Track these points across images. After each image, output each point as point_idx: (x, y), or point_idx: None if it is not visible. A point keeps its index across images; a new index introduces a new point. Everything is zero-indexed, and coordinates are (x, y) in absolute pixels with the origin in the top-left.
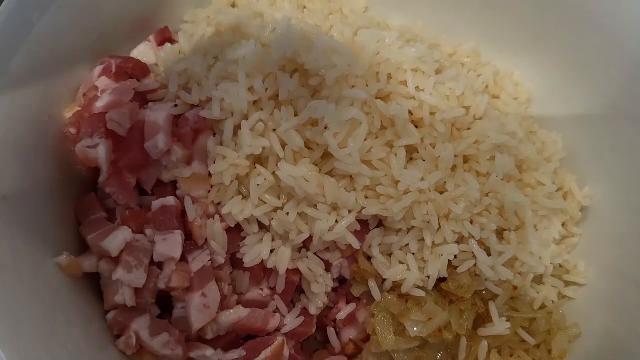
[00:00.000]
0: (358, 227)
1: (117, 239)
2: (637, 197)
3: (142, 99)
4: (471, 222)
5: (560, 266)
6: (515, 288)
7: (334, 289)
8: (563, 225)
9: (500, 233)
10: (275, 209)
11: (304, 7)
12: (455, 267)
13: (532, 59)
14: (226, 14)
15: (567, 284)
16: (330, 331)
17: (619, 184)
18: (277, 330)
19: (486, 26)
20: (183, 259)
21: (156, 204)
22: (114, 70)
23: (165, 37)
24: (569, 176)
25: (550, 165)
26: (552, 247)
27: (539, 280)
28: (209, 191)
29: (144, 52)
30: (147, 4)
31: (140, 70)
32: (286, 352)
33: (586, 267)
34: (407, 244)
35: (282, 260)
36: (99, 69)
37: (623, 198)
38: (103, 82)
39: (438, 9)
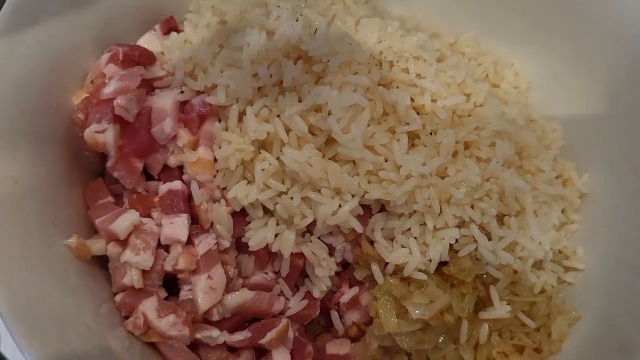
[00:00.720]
0: (361, 212)
1: (125, 221)
2: (634, 185)
3: (149, 86)
4: (472, 207)
5: (560, 252)
6: (516, 272)
7: (337, 273)
8: (562, 211)
9: (500, 218)
10: (280, 194)
11: None
12: (457, 251)
13: (531, 48)
14: (231, 3)
15: (567, 269)
16: (334, 314)
17: (617, 172)
18: (282, 313)
19: (486, 16)
20: (189, 242)
21: (163, 188)
22: (121, 57)
23: (171, 26)
24: (568, 163)
25: (550, 152)
26: (552, 233)
27: (538, 265)
28: (215, 176)
29: (150, 40)
30: None
31: (147, 58)
32: (290, 334)
33: (585, 253)
34: (409, 228)
35: (287, 244)
36: (106, 57)
37: (621, 185)
38: (110, 69)
39: None
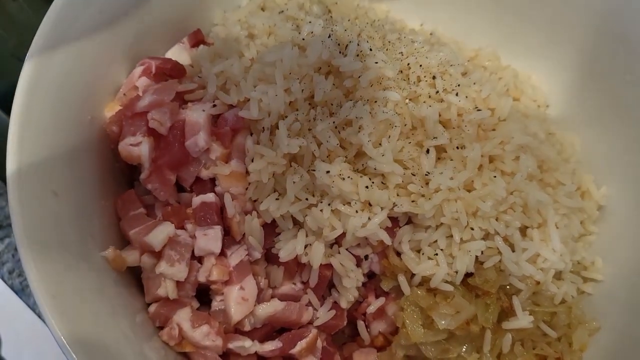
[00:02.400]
0: (389, 224)
1: (161, 234)
2: None
3: (181, 99)
4: (497, 220)
5: (579, 263)
6: (538, 283)
7: (363, 284)
8: (581, 223)
9: (523, 230)
10: (310, 206)
11: (329, 12)
12: (481, 263)
13: (548, 61)
14: (259, 17)
15: (585, 280)
16: (360, 324)
17: (634, 184)
18: (309, 323)
19: (502, 30)
20: (222, 253)
21: (196, 200)
22: (153, 70)
23: (198, 39)
24: (586, 176)
25: (569, 165)
26: (572, 244)
27: (558, 276)
28: (247, 188)
29: (178, 53)
30: (180, 7)
31: (178, 71)
32: (319, 344)
33: (603, 264)
34: (436, 240)
35: (316, 255)
36: (139, 70)
37: (637, 197)
38: (143, 83)
39: (455, 13)
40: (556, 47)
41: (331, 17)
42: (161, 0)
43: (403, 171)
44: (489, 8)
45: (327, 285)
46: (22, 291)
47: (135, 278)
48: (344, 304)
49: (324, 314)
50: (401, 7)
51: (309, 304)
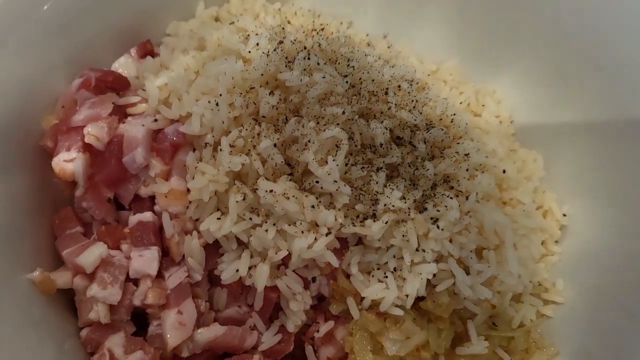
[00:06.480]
0: (337, 245)
1: (92, 255)
2: (614, 216)
3: (121, 112)
4: (450, 241)
5: (539, 284)
6: (494, 307)
7: (312, 306)
8: (542, 243)
9: (479, 252)
10: (254, 226)
11: (288, 22)
12: (434, 286)
13: (513, 77)
14: (209, 28)
15: (546, 302)
16: (309, 349)
17: (598, 203)
18: (254, 348)
19: (467, 44)
20: (159, 275)
21: (133, 219)
22: (93, 83)
23: (147, 50)
24: (549, 195)
25: (530, 183)
26: (531, 266)
27: (517, 298)
28: (187, 207)
29: (125, 64)
30: (129, 16)
31: (120, 83)
32: None
33: (565, 285)
34: (386, 262)
35: (261, 277)
36: (77, 82)
37: (601, 217)
38: (82, 95)
39: (420, 26)
40: (522, 63)
41: (283, 29)
42: (112, 7)
43: (351, 190)
44: (454, 21)
45: (274, 308)
46: None
47: (71, 300)
48: (291, 328)
49: (269, 338)
50: (365, 19)
51: (255, 327)
